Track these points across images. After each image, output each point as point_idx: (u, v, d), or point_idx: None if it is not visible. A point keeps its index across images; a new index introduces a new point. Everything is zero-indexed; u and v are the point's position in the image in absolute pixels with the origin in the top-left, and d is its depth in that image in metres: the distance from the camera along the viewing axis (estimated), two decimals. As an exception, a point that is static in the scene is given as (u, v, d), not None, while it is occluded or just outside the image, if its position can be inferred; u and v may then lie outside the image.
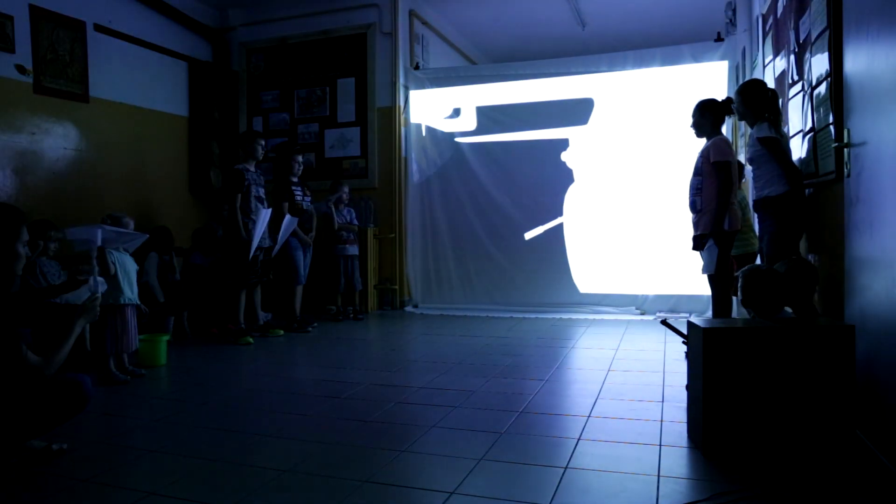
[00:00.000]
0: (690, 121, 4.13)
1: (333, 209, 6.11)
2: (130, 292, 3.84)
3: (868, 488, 2.06)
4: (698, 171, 4.02)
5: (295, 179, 5.72)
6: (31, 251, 3.21)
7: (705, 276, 4.04)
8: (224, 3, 7.19)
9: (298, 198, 5.68)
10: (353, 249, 6.24)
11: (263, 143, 5.32)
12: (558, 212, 6.57)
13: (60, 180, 5.41)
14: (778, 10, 4.18)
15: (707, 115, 4.05)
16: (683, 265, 5.59)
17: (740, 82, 5.71)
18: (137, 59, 6.21)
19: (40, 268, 4.10)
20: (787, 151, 3.47)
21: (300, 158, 5.80)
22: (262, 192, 5.20)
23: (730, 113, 4.08)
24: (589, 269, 6.50)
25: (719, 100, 4.11)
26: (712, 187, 3.88)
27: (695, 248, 4.09)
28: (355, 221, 6.37)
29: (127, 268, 3.88)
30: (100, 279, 3.15)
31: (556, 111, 6.59)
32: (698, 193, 4.00)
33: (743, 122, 5.41)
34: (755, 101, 3.56)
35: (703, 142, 4.08)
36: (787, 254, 3.18)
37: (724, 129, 4.12)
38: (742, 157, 5.09)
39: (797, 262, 2.89)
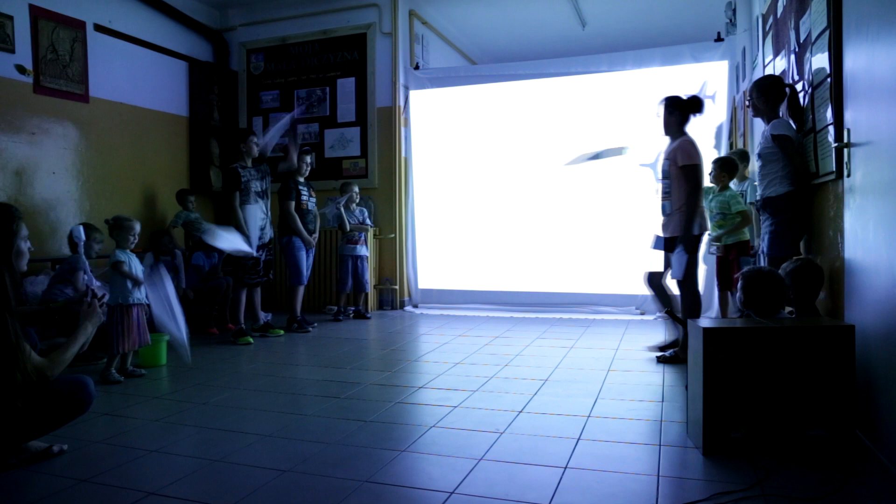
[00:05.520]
0: (657, 115, 3.97)
1: (343, 210, 6.13)
2: (138, 291, 3.87)
3: (868, 488, 2.06)
4: (665, 175, 3.96)
5: (301, 179, 5.71)
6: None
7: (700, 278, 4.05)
8: (224, 3, 7.19)
9: (304, 198, 5.68)
10: (363, 250, 6.26)
11: (256, 139, 5.31)
12: (558, 211, 6.56)
13: (60, 180, 5.42)
14: (778, 10, 4.17)
15: (675, 113, 3.93)
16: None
17: (740, 82, 5.72)
18: (137, 59, 6.22)
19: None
20: (802, 149, 3.35)
21: (308, 159, 5.80)
22: (259, 186, 5.18)
23: (696, 112, 3.97)
24: (589, 269, 6.50)
25: (684, 97, 3.98)
26: (681, 191, 3.85)
27: (666, 249, 4.08)
28: (368, 221, 6.39)
29: (134, 268, 3.90)
30: (96, 282, 3.16)
31: (557, 110, 6.59)
32: (667, 197, 3.96)
33: (743, 122, 5.42)
34: (772, 97, 3.43)
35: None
36: (787, 254, 3.18)
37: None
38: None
39: (802, 261, 2.89)
